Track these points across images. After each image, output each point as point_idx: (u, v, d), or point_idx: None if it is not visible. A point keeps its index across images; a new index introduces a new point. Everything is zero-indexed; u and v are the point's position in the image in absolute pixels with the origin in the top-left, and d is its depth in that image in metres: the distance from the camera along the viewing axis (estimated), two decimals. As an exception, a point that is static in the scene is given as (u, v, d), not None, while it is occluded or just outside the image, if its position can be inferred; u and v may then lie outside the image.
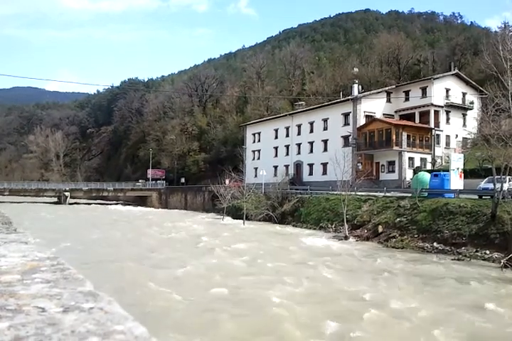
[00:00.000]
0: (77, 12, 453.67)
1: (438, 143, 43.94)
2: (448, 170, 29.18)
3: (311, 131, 50.25)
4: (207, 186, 52.99)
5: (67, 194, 68.14)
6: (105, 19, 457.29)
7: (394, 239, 24.59)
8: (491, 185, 23.69)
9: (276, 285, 13.10)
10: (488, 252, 19.76)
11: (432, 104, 44.19)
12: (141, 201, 70.45)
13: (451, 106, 45.48)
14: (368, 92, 47.34)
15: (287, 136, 54.03)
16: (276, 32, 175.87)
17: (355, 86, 47.58)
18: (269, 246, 21.99)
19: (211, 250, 19.84)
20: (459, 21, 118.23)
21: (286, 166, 53.20)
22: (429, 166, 41.57)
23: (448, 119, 45.49)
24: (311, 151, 49.99)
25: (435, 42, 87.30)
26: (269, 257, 18.34)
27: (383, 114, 45.60)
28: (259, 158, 58.21)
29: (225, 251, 19.71)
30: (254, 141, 60.27)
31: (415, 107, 45.28)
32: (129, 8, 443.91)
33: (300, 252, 20.46)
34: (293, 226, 34.34)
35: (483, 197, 24.55)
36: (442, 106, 45.00)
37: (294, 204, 37.72)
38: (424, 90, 45.28)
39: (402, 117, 46.04)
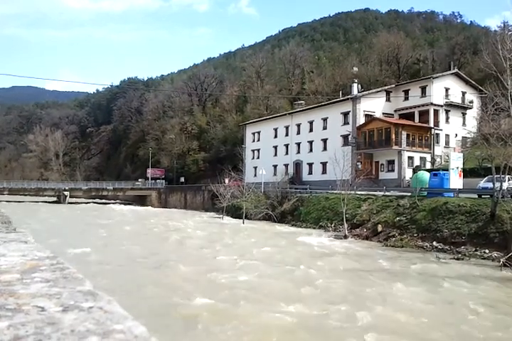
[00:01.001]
0: (78, 12, 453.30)
1: (437, 143, 43.98)
2: (447, 170, 29.18)
3: (311, 130, 50.27)
4: (206, 185, 52.96)
5: (66, 193, 68.12)
6: (106, 19, 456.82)
7: (393, 238, 24.61)
8: (490, 184, 23.68)
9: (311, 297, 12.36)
10: (487, 251, 19.79)
11: (432, 103, 44.21)
12: (141, 200, 70.41)
13: (450, 106, 45.51)
14: (368, 91, 47.34)
15: (287, 135, 54.04)
16: (275, 31, 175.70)
17: (355, 85, 47.57)
18: (275, 249, 21.48)
19: (235, 260, 18.04)
20: (458, 21, 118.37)
21: (286, 165, 53.22)
22: (428, 165, 41.60)
23: (447, 118, 45.52)
24: (311, 150, 50.01)
25: (435, 42, 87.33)
26: (285, 263, 17.50)
27: (383, 113, 45.61)
28: (258, 157, 58.23)
29: (248, 259, 18.13)
30: (253, 140, 60.29)
31: (415, 106, 45.30)
32: (129, 7, 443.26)
33: (309, 254, 20.10)
34: (292, 225, 34.36)
35: (483, 196, 24.58)
36: (442, 106, 45.02)
37: (294, 204, 37.74)
38: (423, 89, 45.30)
39: (401, 116, 46.05)
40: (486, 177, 26.56)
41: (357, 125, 44.17)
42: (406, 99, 46.44)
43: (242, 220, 36.67)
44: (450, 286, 14.06)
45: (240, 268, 16.11)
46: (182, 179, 71.82)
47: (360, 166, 41.62)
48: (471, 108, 46.64)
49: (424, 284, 14.35)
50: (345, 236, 26.55)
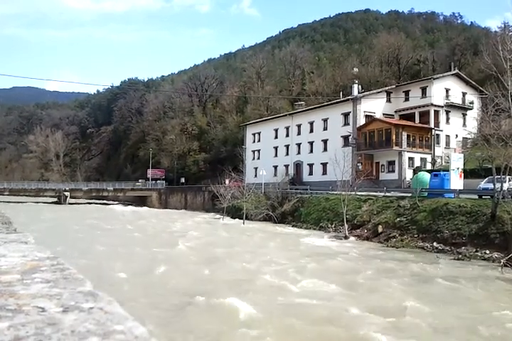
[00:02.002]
0: (78, 12, 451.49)
1: (438, 143, 43.96)
2: (448, 170, 29.20)
3: (311, 130, 50.27)
4: (207, 186, 53.02)
5: (67, 194, 68.14)
6: (107, 19, 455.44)
7: (394, 239, 24.62)
8: (490, 185, 23.71)
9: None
10: (488, 252, 19.78)
11: (432, 104, 44.21)
12: (141, 201, 70.41)
13: (451, 106, 45.51)
14: (368, 92, 47.36)
15: (287, 135, 54.04)
16: (276, 32, 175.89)
17: (355, 86, 47.60)
18: (293, 255, 20.75)
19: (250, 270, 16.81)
20: (458, 21, 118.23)
21: (286, 166, 53.22)
22: (429, 166, 41.58)
23: (448, 119, 45.51)
24: (311, 151, 50.01)
25: (435, 43, 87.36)
26: (312, 274, 16.30)
27: (383, 114, 45.62)
28: (259, 158, 58.23)
29: (279, 273, 16.15)
30: (254, 141, 60.29)
31: (415, 107, 45.30)
32: (131, 8, 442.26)
33: (325, 260, 19.54)
34: (293, 226, 34.36)
35: (483, 197, 24.59)
36: (442, 106, 45.02)
37: (294, 204, 37.75)
38: (424, 90, 45.31)
39: (402, 117, 46.06)
40: (486, 178, 26.58)
41: (357, 126, 44.17)
42: (406, 99, 46.44)
43: (242, 221, 36.78)
44: (454, 288, 14.05)
45: (282, 285, 14.07)
46: (182, 180, 71.88)
47: (360, 167, 41.61)
48: (471, 109, 46.62)
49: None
50: (346, 237, 26.56)
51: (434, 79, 45.46)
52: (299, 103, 61.35)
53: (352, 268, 17.33)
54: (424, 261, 18.81)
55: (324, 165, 44.88)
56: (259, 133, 59.52)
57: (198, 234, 28.78)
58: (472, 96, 47.12)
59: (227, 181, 47.19)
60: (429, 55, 71.08)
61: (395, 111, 46.84)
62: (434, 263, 18.51)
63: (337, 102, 48.32)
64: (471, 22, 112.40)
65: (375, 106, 45.47)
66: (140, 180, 76.34)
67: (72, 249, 19.78)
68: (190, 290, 12.94)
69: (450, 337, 9.72)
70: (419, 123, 44.42)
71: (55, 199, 69.54)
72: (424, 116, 44.84)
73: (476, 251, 20.22)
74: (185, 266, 17.45)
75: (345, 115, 46.01)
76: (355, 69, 65.16)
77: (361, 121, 44.44)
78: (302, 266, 17.69)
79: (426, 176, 29.51)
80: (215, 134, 75.06)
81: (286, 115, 55.56)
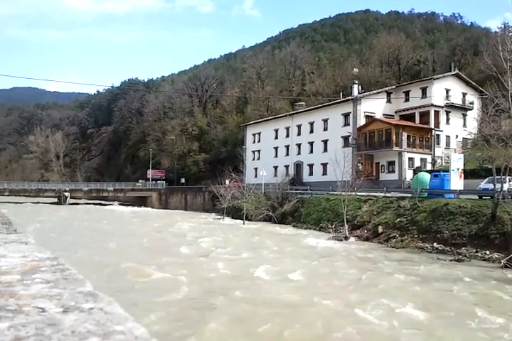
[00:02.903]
0: (80, 13, 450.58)
1: (438, 144, 43.96)
2: (448, 171, 29.18)
3: (311, 131, 50.27)
4: (207, 186, 53.00)
5: (67, 194, 68.13)
6: (108, 20, 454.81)
7: (394, 240, 24.60)
8: (491, 186, 23.71)
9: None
10: (488, 252, 19.77)
11: (432, 105, 44.21)
12: (141, 201, 70.39)
13: (451, 107, 45.50)
14: (368, 93, 47.37)
15: (287, 136, 54.04)
16: (276, 32, 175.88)
17: (355, 86, 47.62)
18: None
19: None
20: (459, 22, 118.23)
21: (286, 166, 53.22)
22: (429, 166, 41.59)
23: (448, 120, 45.52)
24: (311, 152, 50.00)
25: (435, 43, 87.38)
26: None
27: (383, 115, 45.61)
28: (259, 159, 58.23)
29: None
30: (254, 141, 60.30)
31: (415, 107, 45.30)
32: (132, 9, 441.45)
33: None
34: (293, 226, 34.33)
35: (483, 197, 24.58)
36: (442, 107, 45.02)
37: (294, 205, 37.74)
38: (424, 90, 45.31)
39: (402, 117, 46.06)
40: (486, 179, 26.58)
41: (357, 126, 44.16)
42: (406, 100, 46.44)
43: (242, 221, 36.81)
44: (457, 289, 14.01)
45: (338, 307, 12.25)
46: (182, 180, 71.88)
47: (360, 167, 41.61)
48: (471, 109, 46.62)
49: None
50: (346, 238, 26.53)
51: (435, 79, 45.46)
52: (299, 103, 61.34)
53: (379, 274, 16.58)
54: (430, 263, 18.66)
55: (324, 165, 44.89)
56: (259, 134, 59.52)
57: (202, 236, 28.30)
58: (472, 97, 47.13)
59: (227, 181, 47.18)
60: (430, 55, 71.06)
61: (395, 112, 46.83)
62: (445, 265, 18.21)
63: (337, 103, 48.31)
64: (471, 22, 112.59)
65: (375, 106, 45.47)
66: (140, 181, 76.33)
67: (77, 254, 19.08)
68: (240, 320, 10.70)
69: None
70: (420, 123, 44.41)
71: (55, 200, 69.50)
72: (425, 116, 44.84)
73: (476, 252, 20.20)
74: (207, 280, 15.07)
75: (346, 115, 46.01)
76: (356, 70, 65.19)
77: (361, 121, 44.43)
78: (326, 275, 16.37)
79: (426, 176, 29.49)
80: (215, 135, 75.05)
81: (286, 115, 55.56)
